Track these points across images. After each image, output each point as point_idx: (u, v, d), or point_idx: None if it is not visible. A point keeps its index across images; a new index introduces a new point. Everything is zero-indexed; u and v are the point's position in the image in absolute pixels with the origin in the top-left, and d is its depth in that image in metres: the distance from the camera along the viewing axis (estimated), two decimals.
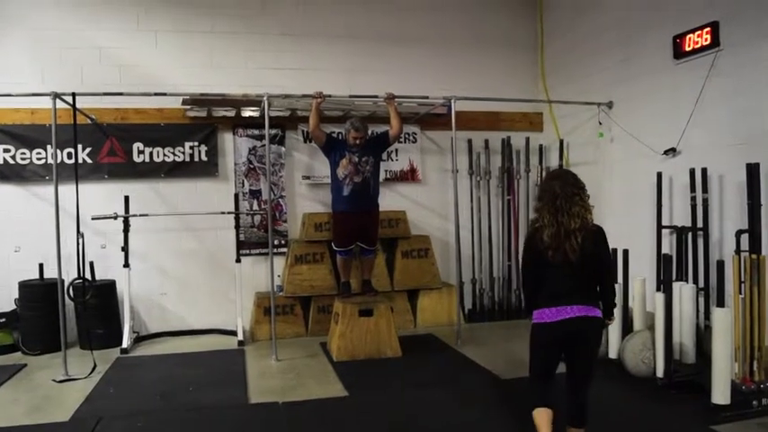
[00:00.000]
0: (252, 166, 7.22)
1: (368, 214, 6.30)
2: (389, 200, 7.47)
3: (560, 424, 3.51)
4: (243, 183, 7.20)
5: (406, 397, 4.78)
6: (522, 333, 6.77)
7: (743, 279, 4.49)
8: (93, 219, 6.25)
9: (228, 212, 6.86)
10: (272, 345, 5.97)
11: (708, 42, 5.37)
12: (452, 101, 6.43)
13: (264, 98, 6.00)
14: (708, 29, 5.35)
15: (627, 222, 6.49)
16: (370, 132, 6.37)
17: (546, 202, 3.39)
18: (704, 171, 5.36)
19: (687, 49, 5.60)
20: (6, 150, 6.56)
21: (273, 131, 7.09)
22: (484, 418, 4.31)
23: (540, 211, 3.43)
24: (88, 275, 6.00)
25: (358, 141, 6.11)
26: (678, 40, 5.69)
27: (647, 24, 6.12)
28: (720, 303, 4.40)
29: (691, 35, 5.54)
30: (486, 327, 7.32)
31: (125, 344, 6.30)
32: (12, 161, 6.58)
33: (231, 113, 6.97)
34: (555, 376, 3.52)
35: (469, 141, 7.74)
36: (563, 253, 3.32)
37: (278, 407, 4.63)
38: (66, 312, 5.70)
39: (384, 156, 6.95)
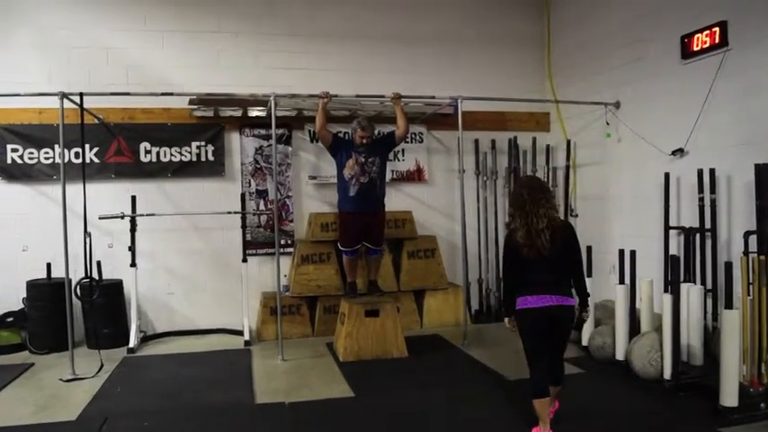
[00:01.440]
0: (258, 166, 7.23)
1: (374, 215, 6.29)
2: (396, 200, 7.47)
3: None
4: (249, 182, 7.21)
5: (412, 397, 4.77)
6: None
7: (751, 280, 4.47)
8: (100, 218, 6.27)
9: (235, 212, 6.87)
10: (279, 345, 5.98)
11: (716, 42, 5.34)
12: (459, 101, 6.42)
13: (271, 98, 6.00)
14: (716, 28, 5.32)
15: (634, 223, 6.48)
16: (376, 132, 6.36)
17: (517, 208, 3.89)
18: (712, 172, 5.33)
19: (695, 48, 5.57)
20: (14, 150, 6.59)
21: (280, 131, 7.10)
22: (490, 419, 4.30)
23: (512, 216, 3.95)
24: (95, 275, 6.01)
25: (365, 141, 6.10)
26: (686, 40, 5.66)
27: (655, 24, 6.09)
28: (728, 305, 4.39)
29: (699, 35, 5.51)
30: (493, 327, 7.30)
31: (132, 343, 6.31)
32: (20, 161, 6.61)
33: (238, 113, 6.98)
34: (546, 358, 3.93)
35: (476, 141, 7.72)
36: (536, 250, 3.79)
37: (284, 407, 4.63)
38: (74, 312, 5.73)
39: (390, 156, 6.95)
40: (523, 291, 3.87)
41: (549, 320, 3.83)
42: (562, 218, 3.89)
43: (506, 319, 4.13)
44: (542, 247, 3.78)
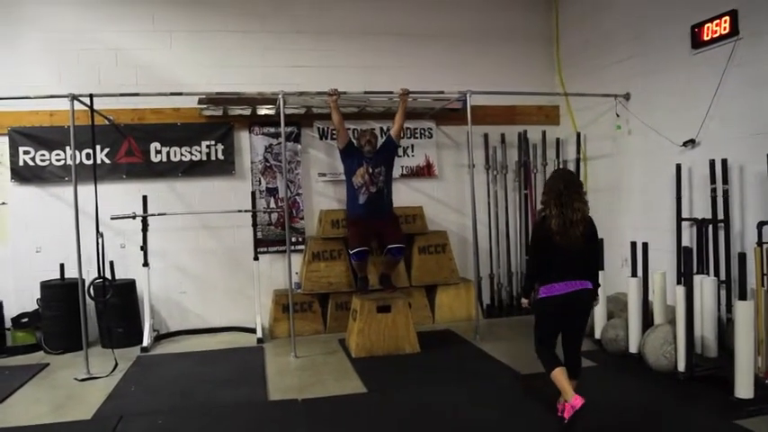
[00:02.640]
0: (268, 164, 7.25)
1: (383, 219, 6.35)
2: (406, 195, 7.46)
3: None
4: (260, 181, 7.23)
5: (425, 393, 4.77)
6: None
7: (765, 271, 4.44)
8: (112, 219, 6.31)
9: (246, 210, 6.89)
10: (291, 342, 5.99)
11: (726, 31, 5.28)
12: (468, 95, 6.40)
13: (280, 96, 6.01)
14: (726, 17, 5.27)
15: (646, 215, 6.44)
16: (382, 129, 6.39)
17: (552, 197, 4.05)
18: (724, 162, 5.28)
19: (705, 38, 5.51)
20: (26, 152, 6.64)
21: (289, 129, 7.11)
22: (504, 414, 4.29)
23: (546, 204, 4.09)
24: (108, 275, 6.05)
25: (369, 143, 6.24)
26: (696, 30, 5.61)
27: (665, 14, 6.04)
28: (742, 296, 4.34)
29: (709, 24, 5.46)
30: (505, 322, 7.29)
31: (145, 342, 6.35)
32: (32, 163, 6.66)
33: (247, 112, 7.00)
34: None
35: (485, 136, 7.70)
36: (567, 239, 3.98)
37: (297, 404, 4.65)
38: (88, 312, 5.76)
39: (399, 152, 6.97)
40: (550, 278, 4.05)
41: (573, 306, 4.05)
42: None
43: (524, 300, 4.40)
44: (574, 237, 3.97)
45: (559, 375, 3.98)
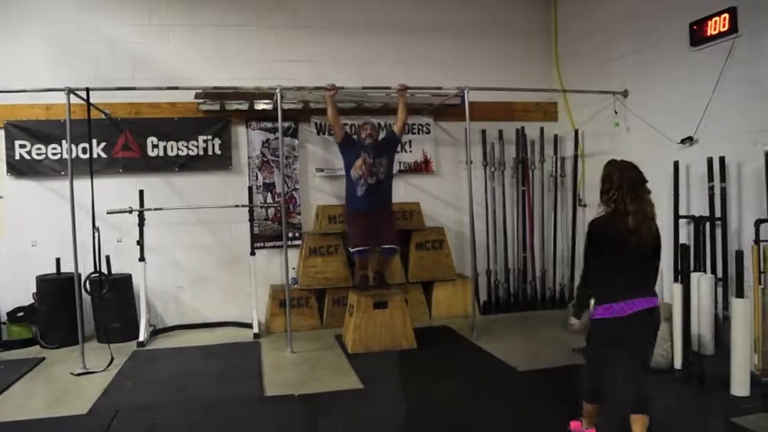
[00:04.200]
0: (265, 159, 7.23)
1: (382, 214, 6.27)
2: (403, 192, 7.45)
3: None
4: (256, 176, 7.21)
5: (421, 389, 4.77)
6: (538, 325, 6.79)
7: (762, 269, 4.44)
8: (108, 213, 6.29)
9: (242, 205, 6.87)
10: (288, 337, 5.99)
11: (726, 29, 5.27)
12: (466, 91, 6.38)
13: (277, 91, 5.99)
14: (725, 15, 5.26)
15: None
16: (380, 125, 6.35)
17: (627, 189, 3.42)
18: (722, 160, 5.28)
19: (704, 35, 5.51)
20: (22, 146, 6.61)
21: (286, 124, 7.08)
22: (500, 410, 4.29)
23: (616, 199, 3.44)
24: (104, 269, 6.04)
25: (370, 135, 6.14)
26: (695, 27, 5.60)
27: (663, 11, 6.03)
28: (739, 294, 4.36)
29: (708, 21, 5.45)
30: (502, 318, 7.29)
31: (142, 337, 6.34)
32: (27, 156, 6.63)
33: (244, 107, 6.97)
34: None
35: (483, 132, 7.69)
36: (642, 240, 3.38)
37: (294, 399, 4.64)
38: (84, 306, 5.75)
39: (398, 148, 6.92)
40: (609, 297, 3.43)
41: (636, 331, 3.41)
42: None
43: (574, 320, 3.67)
44: (647, 237, 3.39)
45: (592, 410, 3.62)
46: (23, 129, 6.61)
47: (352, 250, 6.28)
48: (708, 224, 5.49)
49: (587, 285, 3.60)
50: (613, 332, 3.42)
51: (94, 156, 6.50)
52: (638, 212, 3.37)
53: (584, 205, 7.42)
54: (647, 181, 3.49)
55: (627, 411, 3.45)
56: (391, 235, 6.29)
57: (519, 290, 7.79)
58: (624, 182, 3.44)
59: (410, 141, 7.60)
